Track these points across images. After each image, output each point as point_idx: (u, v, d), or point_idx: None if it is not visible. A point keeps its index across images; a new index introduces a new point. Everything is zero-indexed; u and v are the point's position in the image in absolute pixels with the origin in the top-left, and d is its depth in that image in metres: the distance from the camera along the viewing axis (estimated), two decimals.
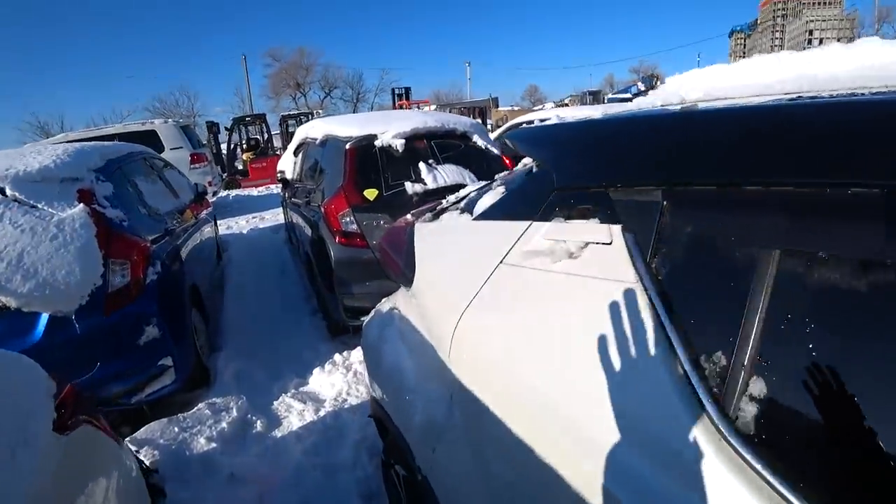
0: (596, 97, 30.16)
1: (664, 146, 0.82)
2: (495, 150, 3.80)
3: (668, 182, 0.77)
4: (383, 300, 1.88)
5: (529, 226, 1.01)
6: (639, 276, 0.75)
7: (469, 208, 1.31)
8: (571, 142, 1.06)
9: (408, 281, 1.41)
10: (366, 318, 3.21)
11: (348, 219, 3.11)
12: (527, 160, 1.38)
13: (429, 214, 1.64)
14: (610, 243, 0.82)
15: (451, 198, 1.86)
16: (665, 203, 0.76)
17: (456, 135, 3.69)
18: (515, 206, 1.12)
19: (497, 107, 33.69)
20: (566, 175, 0.99)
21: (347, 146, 3.43)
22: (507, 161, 3.82)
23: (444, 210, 1.59)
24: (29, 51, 68.27)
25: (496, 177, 1.56)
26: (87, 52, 74.81)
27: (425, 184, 3.26)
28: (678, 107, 1.01)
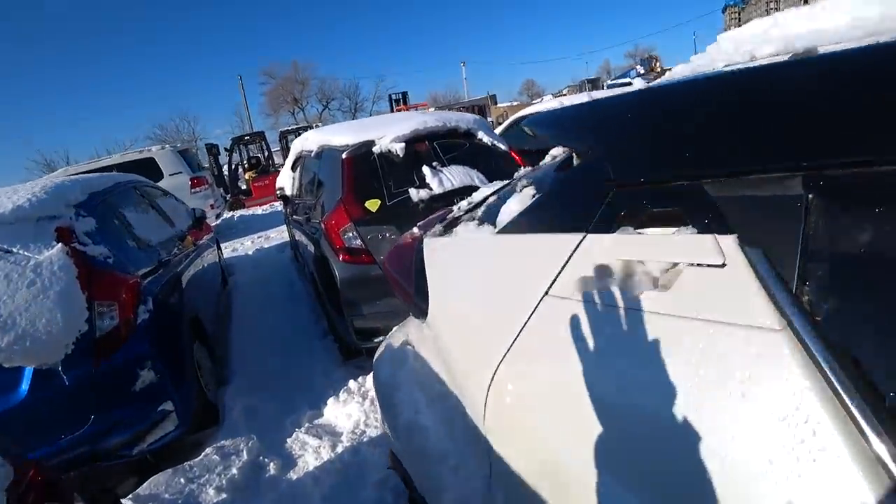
0: (595, 85, 29.77)
1: (800, 107, 0.55)
2: (503, 146, 3.54)
3: (817, 164, 0.51)
4: (394, 329, 1.64)
5: (582, 240, 0.75)
6: (784, 319, 0.49)
7: (489, 218, 1.06)
8: (632, 119, 0.80)
9: (421, 312, 1.16)
10: (379, 340, 2.99)
11: (351, 234, 2.87)
12: (556, 151, 1.12)
13: (439, 226, 1.39)
14: (722, 265, 0.57)
15: (464, 204, 1.61)
16: (812, 197, 0.51)
17: (459, 133, 3.44)
18: (556, 214, 0.87)
19: (496, 104, 33.60)
20: (630, 166, 0.74)
21: (344, 155, 3.20)
22: (517, 157, 3.57)
23: (456, 220, 1.34)
24: (30, 88, 69.36)
25: (517, 175, 1.30)
26: (88, 88, 75.76)
27: (431, 189, 3.01)
28: (772, 59, 0.75)
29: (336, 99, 48.41)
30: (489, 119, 23.11)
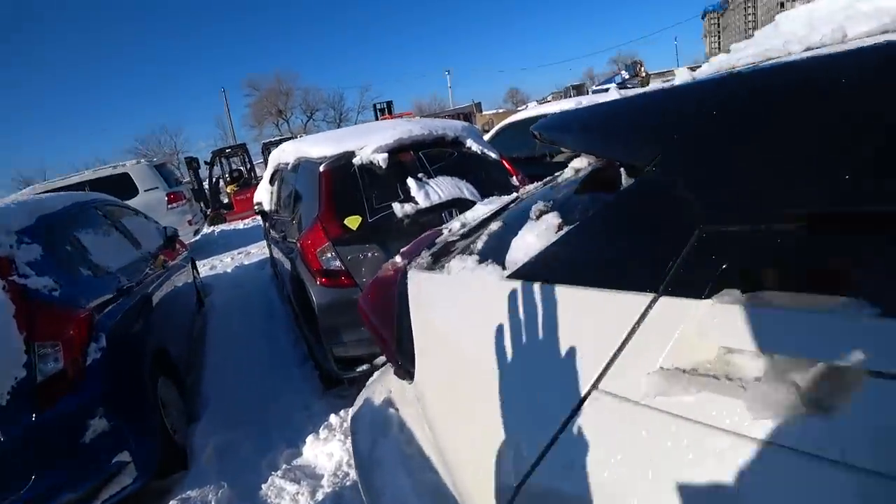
0: (579, 91, 29.86)
1: None
2: (493, 155, 3.32)
3: None
4: (374, 377, 1.38)
5: (651, 305, 0.51)
6: None
7: (494, 253, 0.81)
8: (738, 116, 0.54)
9: (406, 374, 0.92)
10: (362, 370, 2.73)
11: (329, 255, 2.62)
12: (579, 163, 0.89)
13: (426, 255, 1.15)
14: None
15: (455, 225, 1.37)
16: None
17: (447, 141, 3.21)
18: (604, 259, 0.61)
19: (481, 111, 33.74)
20: (735, 189, 0.49)
21: (321, 168, 2.95)
22: (510, 166, 3.34)
23: (449, 248, 1.10)
24: (8, 103, 68.14)
25: (523, 192, 1.06)
26: (69, 102, 74.63)
27: (417, 203, 2.77)
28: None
29: (320, 109, 48.18)
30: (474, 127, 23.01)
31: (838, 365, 0.38)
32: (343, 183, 2.87)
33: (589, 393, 0.54)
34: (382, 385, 1.22)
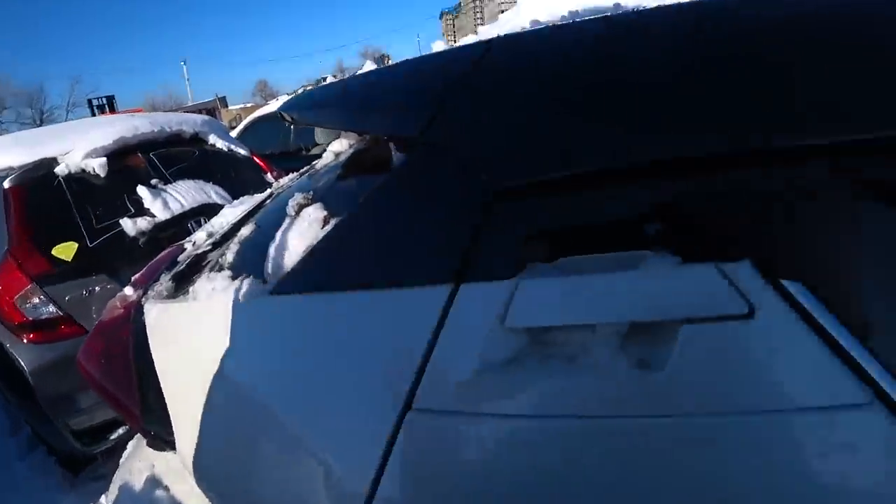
0: None
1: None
2: (243, 151, 2.99)
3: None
4: (128, 450, 1.04)
5: (452, 296, 0.44)
6: (871, 388, 0.34)
7: (250, 266, 0.64)
8: (521, 71, 0.51)
9: (164, 444, 0.69)
10: (116, 437, 2.15)
11: (36, 300, 1.95)
12: (339, 145, 0.76)
13: (166, 279, 0.88)
14: (747, 315, 0.35)
15: (201, 235, 1.11)
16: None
17: (184, 139, 2.74)
18: (385, 251, 0.52)
19: (227, 106, 31.34)
20: (529, 150, 0.45)
21: (5, 184, 2.20)
22: (262, 162, 3.06)
23: (197, 265, 0.86)
24: None
25: (278, 186, 0.89)
26: None
27: (153, 215, 2.29)
28: None
29: (11, 107, 37.16)
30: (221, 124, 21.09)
31: (654, 320, 0.39)
32: (42, 201, 2.19)
33: (404, 415, 0.46)
34: (141, 460, 0.92)
